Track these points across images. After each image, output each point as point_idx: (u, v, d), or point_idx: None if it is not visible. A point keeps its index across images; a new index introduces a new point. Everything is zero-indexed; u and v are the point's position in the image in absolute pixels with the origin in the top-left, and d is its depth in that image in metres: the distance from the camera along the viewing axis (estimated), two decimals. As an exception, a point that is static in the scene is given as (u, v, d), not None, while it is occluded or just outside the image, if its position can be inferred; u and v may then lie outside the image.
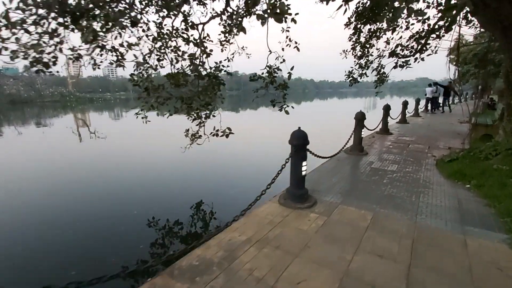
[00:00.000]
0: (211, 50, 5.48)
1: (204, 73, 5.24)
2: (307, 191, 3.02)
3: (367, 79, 8.35)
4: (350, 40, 7.49)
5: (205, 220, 4.63)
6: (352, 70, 8.05)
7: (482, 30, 18.29)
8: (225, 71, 5.33)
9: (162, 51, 5.25)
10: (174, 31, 5.00)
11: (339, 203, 2.99)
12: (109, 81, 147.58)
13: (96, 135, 12.55)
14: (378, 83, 7.46)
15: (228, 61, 6.51)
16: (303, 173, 2.89)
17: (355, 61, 8.04)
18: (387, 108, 7.32)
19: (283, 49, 5.67)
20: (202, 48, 5.37)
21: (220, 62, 5.54)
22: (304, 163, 2.86)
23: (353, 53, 7.68)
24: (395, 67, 7.13)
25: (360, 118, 5.07)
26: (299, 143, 2.80)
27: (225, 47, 6.45)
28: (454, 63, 19.79)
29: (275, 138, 10.77)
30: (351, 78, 8.13)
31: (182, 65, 5.33)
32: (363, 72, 8.03)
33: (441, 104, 14.67)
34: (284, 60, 5.57)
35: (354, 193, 3.28)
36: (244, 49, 6.59)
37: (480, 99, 14.31)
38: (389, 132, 7.47)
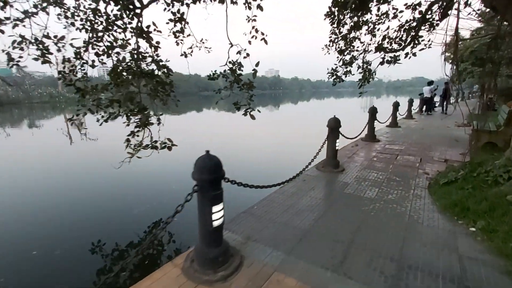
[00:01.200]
0: (157, 42, 4.46)
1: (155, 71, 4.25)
2: (226, 249, 1.93)
3: (360, 76, 7.32)
4: (333, 34, 6.44)
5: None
6: (336, 67, 7.01)
7: (479, 26, 17.20)
8: (168, 69, 4.29)
9: (99, 44, 4.17)
10: (108, 18, 3.93)
11: (275, 267, 1.92)
12: (103, 82, 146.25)
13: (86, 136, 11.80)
14: (363, 82, 6.42)
15: (185, 56, 5.51)
16: (218, 222, 1.81)
17: (338, 57, 7.00)
18: (373, 111, 6.27)
19: (249, 42, 4.65)
20: (144, 39, 4.34)
21: (167, 60, 4.54)
22: (217, 207, 1.79)
23: (335, 47, 6.63)
24: (382, 63, 6.09)
25: (333, 126, 4.00)
26: (207, 177, 1.72)
27: (181, 41, 5.42)
28: (450, 61, 18.89)
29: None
30: (335, 77, 7.08)
31: (126, 60, 4.30)
32: (348, 69, 6.99)
33: (436, 105, 13.74)
34: (248, 55, 4.57)
35: (306, 245, 2.21)
36: (203, 42, 5.55)
37: (480, 100, 13.35)
38: (375, 139, 6.42)
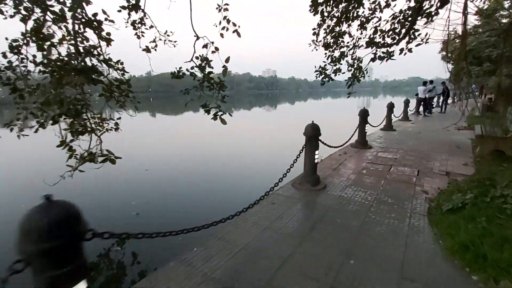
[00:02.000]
0: (108, 34, 3.73)
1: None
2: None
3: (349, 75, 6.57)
4: (318, 26, 5.71)
5: None
6: (325, 65, 6.29)
7: (477, 23, 16.50)
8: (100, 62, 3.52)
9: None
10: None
11: None
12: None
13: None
14: (352, 81, 5.69)
15: (148, 51, 4.80)
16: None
17: (325, 54, 6.27)
18: (364, 114, 5.54)
19: (222, 35, 3.96)
20: (93, 30, 3.63)
21: (119, 61, 3.86)
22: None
23: (320, 41, 5.89)
24: (373, 59, 5.36)
25: (311, 135, 3.25)
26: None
27: (142, 33, 4.71)
28: (447, 59, 18.23)
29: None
30: (323, 76, 6.35)
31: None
32: (337, 67, 6.25)
33: (433, 105, 13.12)
34: (217, 49, 3.86)
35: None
36: (168, 35, 4.84)
37: (476, 99, 12.74)
38: (367, 146, 5.69)
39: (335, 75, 6.50)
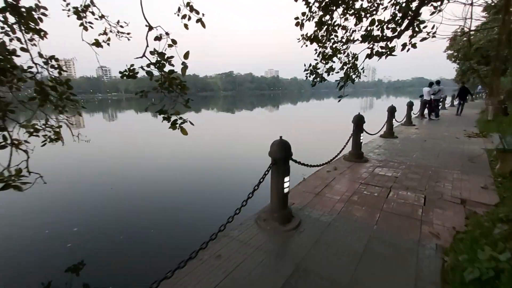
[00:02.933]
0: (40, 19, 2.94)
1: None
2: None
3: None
4: (304, 16, 4.83)
5: None
6: (317, 63, 5.42)
7: (484, 20, 15.53)
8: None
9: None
10: None
11: None
12: (100, 82, 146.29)
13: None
14: (345, 81, 4.81)
15: (98, 45, 3.99)
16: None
17: (315, 50, 5.39)
18: (358, 121, 4.64)
19: (186, 26, 3.13)
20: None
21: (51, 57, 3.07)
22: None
23: (309, 34, 5.01)
24: (370, 55, 4.46)
25: (279, 157, 2.37)
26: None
27: (90, 24, 3.93)
28: (453, 59, 17.16)
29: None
30: (314, 75, 5.49)
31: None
32: (330, 65, 5.37)
33: (440, 108, 12.18)
34: (174, 43, 3.01)
35: None
36: (121, 26, 4.07)
37: (489, 102, 11.76)
38: (362, 158, 4.79)
39: (328, 74, 5.61)
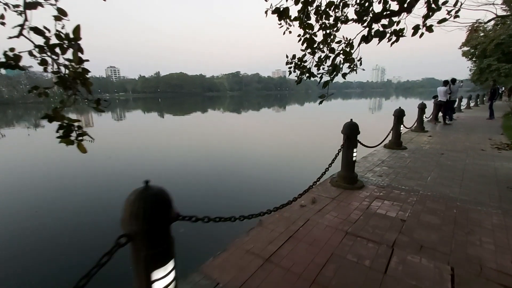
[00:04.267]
0: None
1: None
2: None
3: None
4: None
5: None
6: (304, 55, 4.07)
7: (504, 13, 13.81)
8: None
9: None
10: None
11: None
12: (109, 82, 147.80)
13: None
14: (330, 75, 3.45)
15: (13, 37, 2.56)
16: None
17: (299, 35, 4.05)
18: (351, 132, 3.29)
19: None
20: None
21: None
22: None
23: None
24: (366, 38, 3.10)
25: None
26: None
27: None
28: (469, 56, 15.46)
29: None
30: (300, 70, 4.14)
31: None
32: (319, 55, 4.01)
33: (455, 110, 10.69)
34: (63, 14, 1.52)
35: None
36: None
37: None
38: (356, 182, 3.42)
39: (318, 69, 4.25)
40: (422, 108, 7.53)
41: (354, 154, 3.37)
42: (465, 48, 16.89)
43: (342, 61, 3.56)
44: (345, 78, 3.47)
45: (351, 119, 3.37)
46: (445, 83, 8.85)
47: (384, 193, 3.19)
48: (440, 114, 9.44)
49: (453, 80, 8.94)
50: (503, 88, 21.00)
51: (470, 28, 13.32)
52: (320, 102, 2.98)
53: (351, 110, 29.47)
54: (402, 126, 5.57)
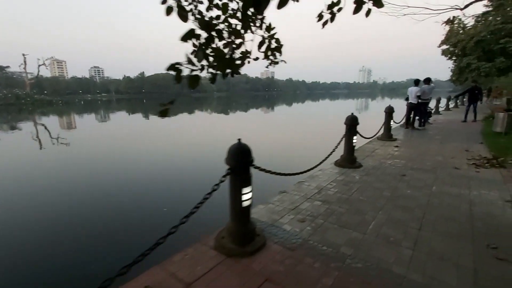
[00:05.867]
0: None
1: None
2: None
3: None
4: None
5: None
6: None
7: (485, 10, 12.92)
8: None
9: None
10: None
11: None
12: (90, 82, 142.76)
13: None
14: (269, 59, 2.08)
15: None
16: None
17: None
18: (240, 162, 1.96)
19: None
20: None
21: None
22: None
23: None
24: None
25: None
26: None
27: None
28: (449, 55, 14.59)
29: None
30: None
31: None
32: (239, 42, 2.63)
33: (432, 113, 9.69)
34: None
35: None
36: None
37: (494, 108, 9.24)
38: (251, 239, 2.10)
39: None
40: (389, 112, 6.33)
41: (245, 200, 2.03)
42: (445, 47, 16.07)
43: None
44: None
45: (239, 140, 2.03)
46: (417, 82, 7.73)
47: (288, 265, 1.87)
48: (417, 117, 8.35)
49: (427, 80, 7.84)
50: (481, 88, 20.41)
51: (445, 21, 12.40)
52: (161, 114, 1.58)
53: (338, 113, 28.52)
54: (356, 137, 4.29)
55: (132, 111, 32.32)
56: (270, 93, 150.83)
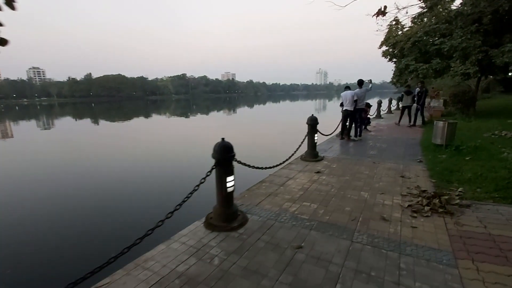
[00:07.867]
0: None
1: None
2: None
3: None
4: None
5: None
6: None
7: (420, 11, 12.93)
8: None
9: None
10: None
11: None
12: (27, 85, 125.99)
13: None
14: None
15: None
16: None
17: None
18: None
19: None
20: None
21: None
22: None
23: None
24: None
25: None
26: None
27: None
28: (388, 56, 14.18)
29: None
30: None
31: None
32: None
33: (369, 121, 8.71)
34: None
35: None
36: None
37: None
38: None
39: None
40: (312, 125, 4.84)
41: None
42: (385, 48, 15.85)
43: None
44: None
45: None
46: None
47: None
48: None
49: (360, 82, 6.70)
50: (417, 89, 21.06)
51: (376, 13, 11.84)
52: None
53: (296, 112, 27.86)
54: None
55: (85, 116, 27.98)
56: (231, 95, 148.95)
